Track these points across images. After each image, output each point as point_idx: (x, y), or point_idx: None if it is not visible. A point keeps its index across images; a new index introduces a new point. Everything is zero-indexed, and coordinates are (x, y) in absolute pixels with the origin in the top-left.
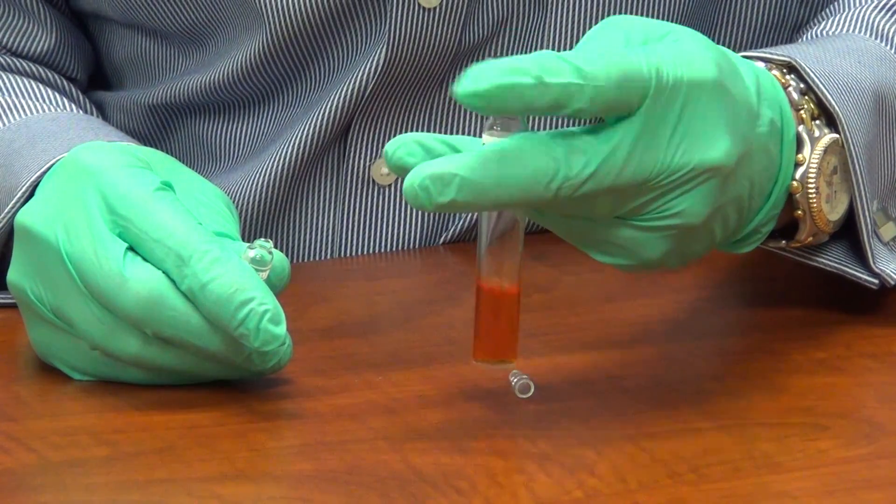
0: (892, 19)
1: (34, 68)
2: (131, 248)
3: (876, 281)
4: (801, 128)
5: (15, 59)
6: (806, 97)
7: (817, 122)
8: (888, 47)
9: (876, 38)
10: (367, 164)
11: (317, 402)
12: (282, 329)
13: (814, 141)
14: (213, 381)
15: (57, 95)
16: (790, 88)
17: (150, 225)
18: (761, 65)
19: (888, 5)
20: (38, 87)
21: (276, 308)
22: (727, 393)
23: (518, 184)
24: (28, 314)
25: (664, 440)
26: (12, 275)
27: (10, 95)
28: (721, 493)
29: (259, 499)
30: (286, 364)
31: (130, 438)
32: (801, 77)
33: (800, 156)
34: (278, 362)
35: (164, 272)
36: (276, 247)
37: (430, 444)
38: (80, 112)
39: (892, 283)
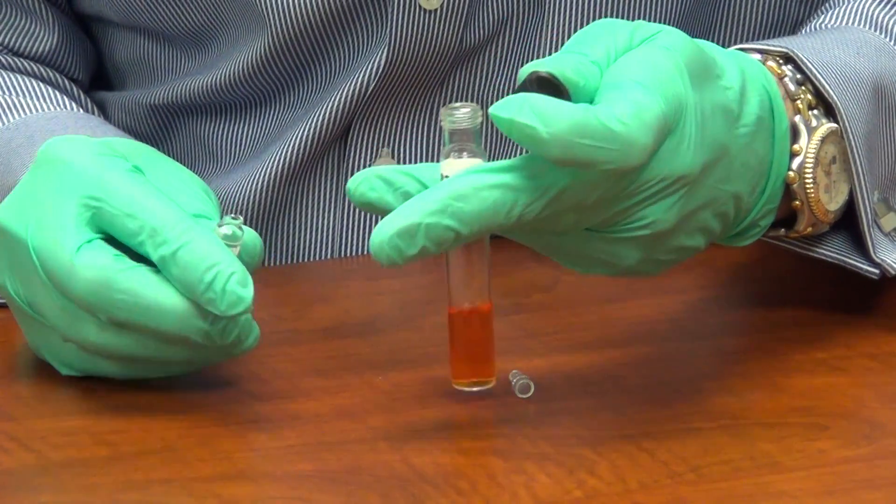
0: (891, 11)
1: (36, 67)
2: (107, 239)
3: (877, 271)
4: (797, 118)
5: (16, 59)
6: (803, 87)
7: (815, 111)
8: (887, 38)
9: (875, 30)
10: (368, 163)
11: (317, 402)
12: (248, 292)
13: (811, 131)
14: (213, 381)
15: (57, 94)
16: (786, 79)
17: (121, 201)
18: (757, 56)
19: None
20: (38, 85)
21: (243, 272)
22: (727, 393)
23: (479, 218)
24: (15, 310)
25: (664, 440)
26: None
27: (10, 94)
28: (721, 493)
29: (259, 499)
30: (250, 346)
31: (130, 438)
32: (798, 68)
33: (796, 146)
34: (238, 338)
35: (138, 245)
36: (276, 246)
37: (430, 444)
38: (81, 111)
39: (893, 272)
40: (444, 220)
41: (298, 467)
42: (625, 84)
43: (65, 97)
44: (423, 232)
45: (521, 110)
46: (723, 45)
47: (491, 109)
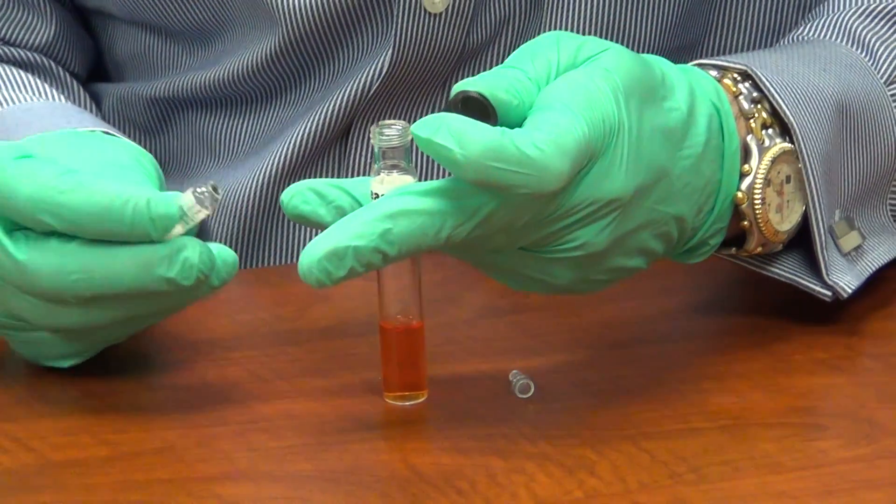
0: (871, 25)
1: (28, 56)
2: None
3: (829, 293)
4: (749, 137)
5: (9, 48)
6: (759, 106)
7: (769, 131)
8: (862, 53)
9: (851, 44)
10: (368, 162)
11: (317, 402)
12: (172, 208)
13: (762, 151)
14: (213, 381)
15: (38, 82)
16: (741, 97)
17: (7, 199)
18: (714, 73)
19: (869, 10)
20: (20, 75)
21: (154, 194)
22: (727, 393)
23: (407, 240)
24: (2, 332)
25: (664, 440)
26: None
27: None
28: (721, 493)
29: (259, 499)
30: (224, 277)
31: (130, 438)
32: (756, 85)
33: (746, 166)
34: (202, 275)
35: (44, 231)
36: (275, 245)
37: (430, 444)
38: (62, 99)
39: (846, 295)
40: (372, 243)
41: (298, 467)
42: (552, 106)
43: (46, 85)
44: (352, 254)
45: (439, 131)
46: (719, 50)
47: (412, 127)
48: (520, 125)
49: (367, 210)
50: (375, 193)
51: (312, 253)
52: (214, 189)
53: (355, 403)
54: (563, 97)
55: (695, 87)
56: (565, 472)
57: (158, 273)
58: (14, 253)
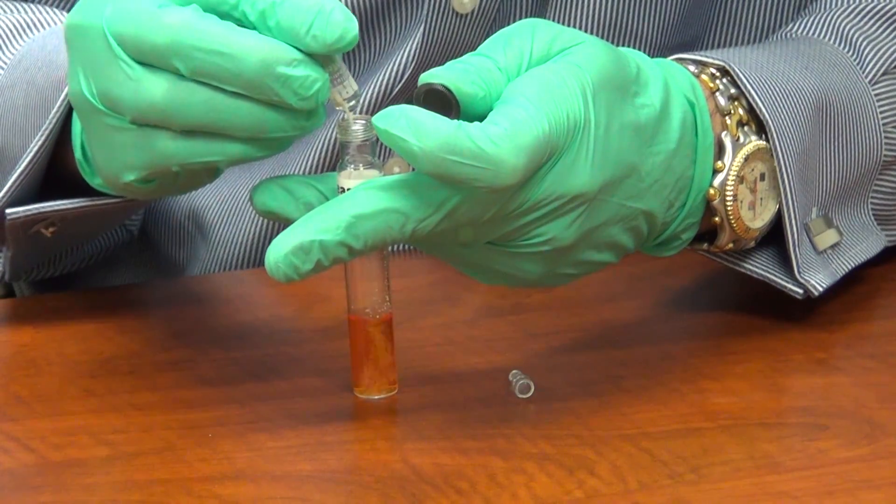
0: (860, 24)
1: None
2: None
3: (801, 291)
4: (723, 134)
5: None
6: (736, 102)
7: (745, 128)
8: (849, 52)
9: (839, 43)
10: (387, 159)
11: (317, 402)
12: (354, 24)
13: (736, 148)
14: (213, 381)
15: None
16: (717, 93)
17: None
18: (692, 68)
19: (860, 10)
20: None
21: (343, 7)
22: (727, 393)
23: (373, 234)
24: (87, 118)
25: (664, 440)
26: (72, 85)
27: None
28: (721, 493)
29: (259, 499)
30: (321, 117)
31: (130, 438)
32: (734, 81)
33: (719, 163)
34: (317, 95)
35: (233, 8)
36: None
37: (430, 444)
38: None
39: (817, 293)
40: (338, 237)
41: (298, 467)
42: (515, 101)
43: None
44: (318, 248)
45: (398, 123)
46: (719, 47)
47: (373, 118)
48: (485, 117)
49: (332, 204)
50: (342, 188)
51: (279, 248)
52: (368, 128)
53: (355, 404)
54: (527, 92)
55: (669, 83)
56: (565, 472)
57: (280, 70)
58: (154, 5)
